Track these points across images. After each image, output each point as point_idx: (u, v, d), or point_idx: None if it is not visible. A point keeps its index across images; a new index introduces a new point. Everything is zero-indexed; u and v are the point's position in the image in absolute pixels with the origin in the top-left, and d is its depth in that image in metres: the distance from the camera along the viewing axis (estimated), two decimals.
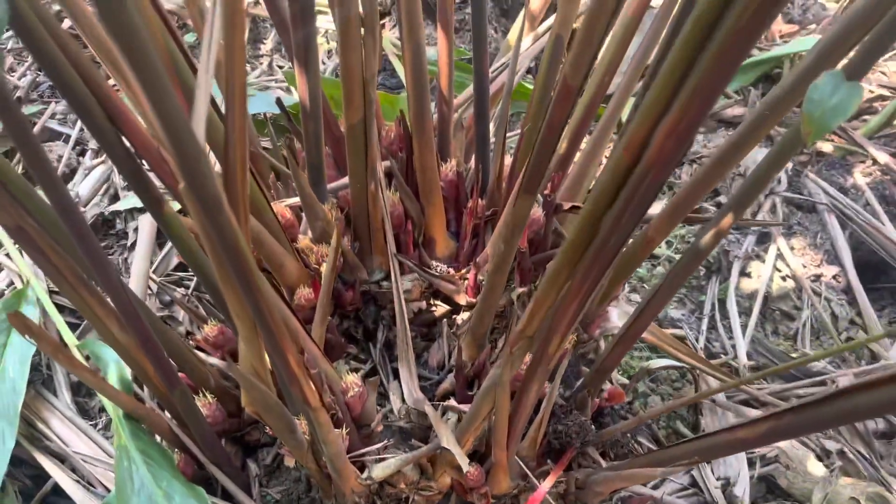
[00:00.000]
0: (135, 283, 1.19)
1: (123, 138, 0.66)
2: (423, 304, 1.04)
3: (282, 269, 0.94)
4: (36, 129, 1.66)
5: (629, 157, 0.43)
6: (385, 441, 0.90)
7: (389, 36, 1.73)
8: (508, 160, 1.03)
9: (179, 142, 0.41)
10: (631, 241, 0.76)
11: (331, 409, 0.83)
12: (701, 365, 1.11)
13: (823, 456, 1.15)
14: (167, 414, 0.95)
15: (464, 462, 0.81)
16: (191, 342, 1.13)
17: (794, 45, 1.87)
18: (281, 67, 1.96)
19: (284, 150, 1.06)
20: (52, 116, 1.70)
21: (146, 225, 1.31)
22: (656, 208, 1.10)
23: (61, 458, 1.04)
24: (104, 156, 1.57)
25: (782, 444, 1.15)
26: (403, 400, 0.96)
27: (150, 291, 1.26)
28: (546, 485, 0.91)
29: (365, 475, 0.84)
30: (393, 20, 1.98)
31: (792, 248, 1.52)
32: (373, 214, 0.97)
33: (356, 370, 1.04)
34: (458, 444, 0.83)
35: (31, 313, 1.11)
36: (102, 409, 1.12)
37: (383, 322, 1.06)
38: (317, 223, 0.97)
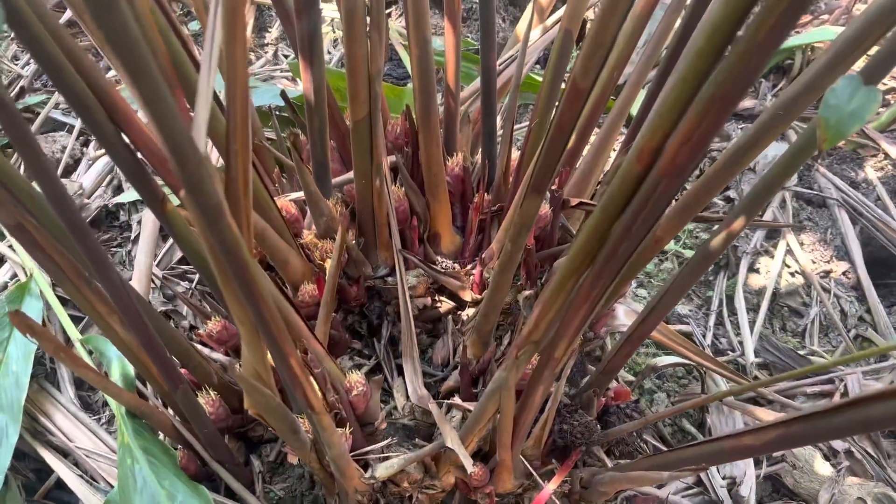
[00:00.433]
0: (137, 278, 1.18)
1: (123, 135, 0.65)
2: (428, 301, 1.03)
3: (286, 265, 0.93)
4: (39, 119, 1.65)
5: (641, 166, 0.42)
6: (389, 439, 0.89)
7: (396, 25, 1.72)
8: (516, 154, 1.01)
9: (179, 149, 0.39)
10: None
11: (334, 407, 0.83)
12: (708, 363, 1.10)
13: (831, 455, 1.14)
14: (170, 411, 0.95)
15: (468, 463, 0.80)
16: (194, 337, 1.13)
17: (807, 35, 1.84)
18: (286, 57, 1.94)
19: (288, 143, 1.05)
20: (56, 106, 1.69)
21: (149, 219, 1.30)
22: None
23: (64, 453, 1.03)
24: None
25: None
26: (408, 397, 0.96)
27: (153, 285, 1.25)
28: (551, 485, 0.90)
29: (368, 474, 0.84)
30: (399, 8, 1.96)
31: (801, 244, 1.51)
32: (378, 210, 0.96)
33: (360, 366, 1.03)
34: (462, 444, 0.83)
35: (35, 307, 1.11)
36: (106, 404, 1.12)
37: (388, 318, 1.05)
38: (321, 219, 0.96)
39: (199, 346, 1.03)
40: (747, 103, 1.80)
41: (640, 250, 0.81)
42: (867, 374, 1.26)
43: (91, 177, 1.48)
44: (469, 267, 1.03)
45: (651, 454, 1.09)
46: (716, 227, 0.79)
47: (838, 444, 1.15)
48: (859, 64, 1.56)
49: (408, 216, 1.02)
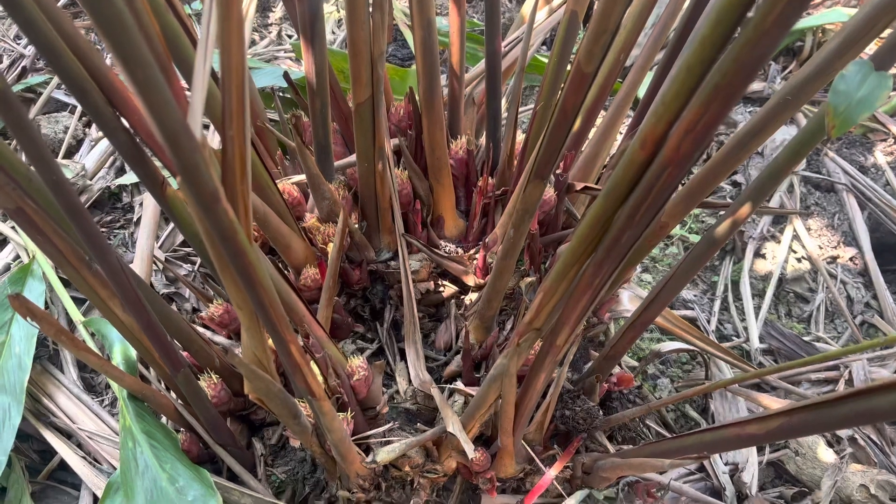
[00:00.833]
0: (139, 261, 1.18)
1: (122, 119, 0.65)
2: (431, 285, 1.03)
3: (288, 249, 0.93)
4: (41, 99, 1.64)
5: (644, 154, 0.41)
6: (391, 423, 0.89)
7: (399, 5, 1.70)
8: (521, 137, 1.00)
9: (173, 136, 0.39)
10: None
11: (336, 391, 0.82)
12: (713, 349, 1.10)
13: (834, 442, 1.14)
14: (172, 394, 0.95)
15: (469, 448, 0.80)
16: (197, 320, 1.12)
17: (818, 17, 1.82)
18: (290, 37, 1.92)
19: (291, 126, 1.04)
20: (59, 87, 1.68)
21: (150, 202, 1.29)
22: None
23: (68, 435, 1.04)
24: None
25: None
26: (410, 381, 0.96)
27: (156, 268, 1.25)
28: (553, 471, 0.90)
29: (370, 458, 0.84)
30: None
31: (808, 229, 1.49)
32: (381, 193, 0.95)
33: (363, 350, 1.03)
34: (463, 428, 0.82)
35: (37, 289, 1.10)
36: (109, 386, 1.12)
37: (391, 302, 1.05)
38: (324, 202, 0.95)
39: (202, 329, 1.03)
40: (756, 86, 1.78)
41: (644, 236, 0.81)
42: (872, 361, 1.25)
43: (93, 158, 1.48)
44: (472, 251, 1.03)
45: (654, 440, 1.09)
46: (722, 212, 0.78)
47: (842, 432, 1.15)
48: (871, 48, 1.54)
49: (411, 200, 1.02)
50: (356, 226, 0.98)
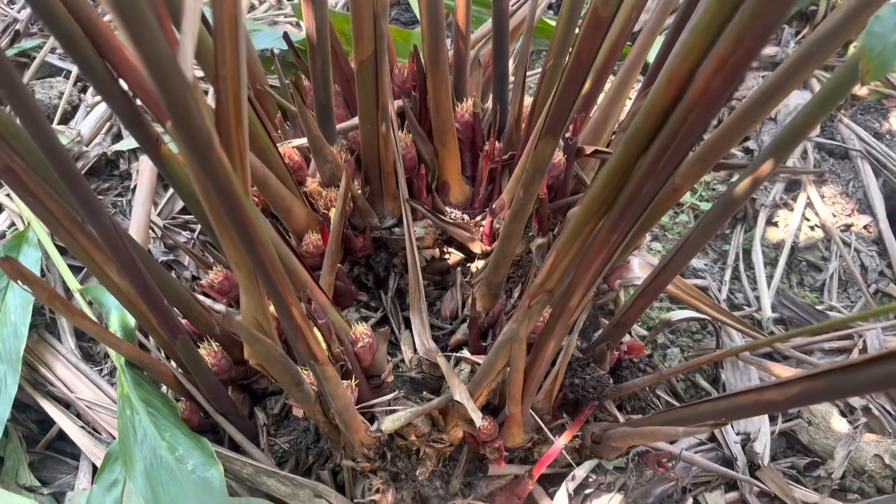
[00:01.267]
0: (135, 227, 1.15)
1: (115, 72, 0.62)
2: (437, 252, 1.00)
3: (289, 214, 0.90)
4: (35, 64, 1.60)
5: (672, 92, 0.38)
6: (396, 392, 0.87)
7: None
8: (528, 100, 0.97)
9: (163, 75, 0.36)
10: None
11: (340, 359, 0.80)
12: (724, 318, 1.07)
13: (847, 412, 1.12)
14: (172, 363, 0.93)
15: (476, 416, 0.78)
16: (196, 287, 1.10)
17: None
18: (290, 0, 1.88)
19: (291, 88, 1.00)
20: (53, 51, 1.64)
21: (147, 167, 1.26)
22: None
23: (66, 404, 1.02)
24: None
25: None
26: (415, 350, 0.93)
27: (154, 235, 1.22)
28: (562, 440, 0.88)
29: (374, 427, 0.82)
30: None
31: (822, 197, 1.46)
32: (384, 157, 0.92)
33: (367, 319, 1.01)
34: (470, 397, 0.80)
35: (32, 256, 1.08)
36: (107, 355, 1.10)
37: (395, 270, 1.03)
38: (325, 166, 0.93)
39: (202, 297, 1.01)
40: (769, 50, 1.74)
41: (658, 198, 0.78)
42: (887, 330, 1.22)
43: (89, 124, 1.44)
44: (479, 217, 1.00)
45: (664, 409, 1.07)
46: (735, 177, 0.76)
47: (856, 401, 1.13)
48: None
49: (415, 164, 0.98)
50: (359, 191, 0.95)
